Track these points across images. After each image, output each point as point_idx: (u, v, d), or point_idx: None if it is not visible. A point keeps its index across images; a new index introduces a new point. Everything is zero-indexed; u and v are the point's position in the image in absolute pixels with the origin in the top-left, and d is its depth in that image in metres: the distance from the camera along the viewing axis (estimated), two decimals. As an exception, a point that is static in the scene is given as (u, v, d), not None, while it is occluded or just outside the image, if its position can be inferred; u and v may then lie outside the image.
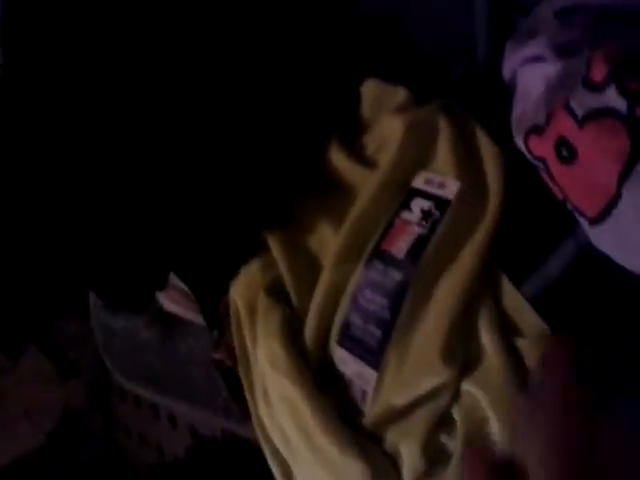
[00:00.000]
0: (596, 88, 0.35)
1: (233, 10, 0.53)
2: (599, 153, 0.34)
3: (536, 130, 0.39)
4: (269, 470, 0.54)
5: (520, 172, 0.44)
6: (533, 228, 0.43)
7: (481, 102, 0.49)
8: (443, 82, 0.52)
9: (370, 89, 0.53)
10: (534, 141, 0.39)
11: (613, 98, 0.33)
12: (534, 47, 0.38)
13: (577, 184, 0.36)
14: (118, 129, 0.53)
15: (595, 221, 0.35)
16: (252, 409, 0.54)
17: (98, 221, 0.56)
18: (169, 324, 0.79)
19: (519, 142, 0.41)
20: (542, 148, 0.38)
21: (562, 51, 0.37)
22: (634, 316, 0.38)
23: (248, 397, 0.54)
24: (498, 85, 0.47)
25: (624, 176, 0.33)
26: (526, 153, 0.40)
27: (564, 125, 0.36)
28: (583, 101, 0.34)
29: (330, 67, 0.56)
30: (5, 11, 0.52)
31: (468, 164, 0.46)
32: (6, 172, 0.54)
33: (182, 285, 0.67)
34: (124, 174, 0.55)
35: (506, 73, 0.43)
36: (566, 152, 0.36)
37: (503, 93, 0.46)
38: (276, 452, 0.52)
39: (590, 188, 0.35)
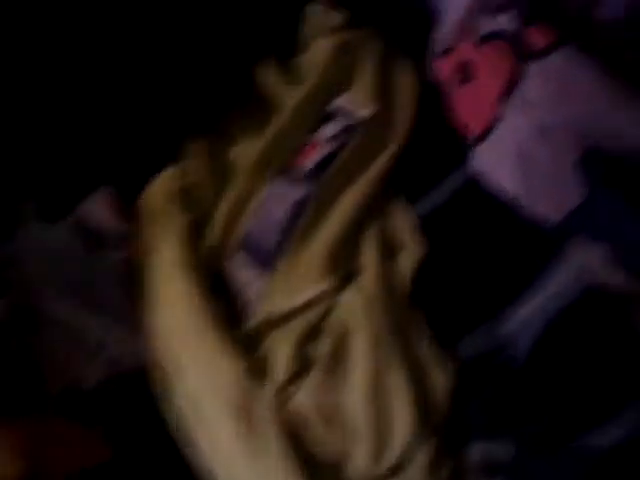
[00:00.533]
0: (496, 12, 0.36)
1: None
2: (489, 70, 0.35)
3: (447, 52, 0.40)
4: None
5: (427, 104, 0.45)
6: (430, 157, 0.45)
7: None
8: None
9: (312, 13, 0.54)
10: (443, 62, 0.41)
11: (505, 21, 0.35)
12: None
13: (469, 104, 0.38)
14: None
15: (478, 139, 0.37)
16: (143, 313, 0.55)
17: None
18: (92, 235, 0.79)
19: (432, 63, 0.43)
20: (446, 70, 0.40)
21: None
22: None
23: (141, 300, 0.54)
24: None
25: (506, 95, 0.34)
26: (436, 75, 0.42)
27: (467, 47, 0.37)
28: (486, 25, 0.36)
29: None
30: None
31: (384, 92, 0.47)
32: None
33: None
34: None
35: None
36: (464, 73, 0.37)
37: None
38: (160, 366, 0.52)
39: (478, 107, 0.36)
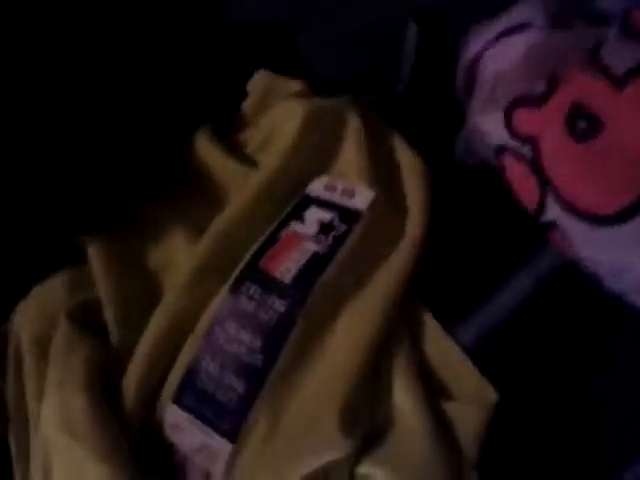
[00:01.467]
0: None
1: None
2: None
3: (527, 101, 0.28)
4: None
5: (452, 186, 0.33)
6: (470, 254, 0.32)
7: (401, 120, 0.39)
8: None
9: (260, 80, 0.40)
10: (523, 115, 0.28)
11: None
12: (518, 14, 0.29)
13: (591, 166, 0.26)
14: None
15: (612, 219, 0.25)
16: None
17: None
18: None
19: (492, 122, 0.30)
20: (538, 122, 0.28)
21: (554, 20, 0.28)
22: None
23: (17, 476, 0.34)
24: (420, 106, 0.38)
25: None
26: (503, 133, 0.30)
27: (587, 89, 0.26)
28: (624, 55, 0.25)
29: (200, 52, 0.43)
30: None
31: (381, 169, 0.35)
32: None
33: None
34: None
35: (469, 56, 0.34)
36: (584, 123, 0.26)
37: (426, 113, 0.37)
38: None
39: (615, 171, 0.25)
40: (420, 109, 0.37)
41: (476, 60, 0.34)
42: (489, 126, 0.31)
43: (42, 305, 0.36)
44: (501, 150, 0.31)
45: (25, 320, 0.36)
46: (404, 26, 0.37)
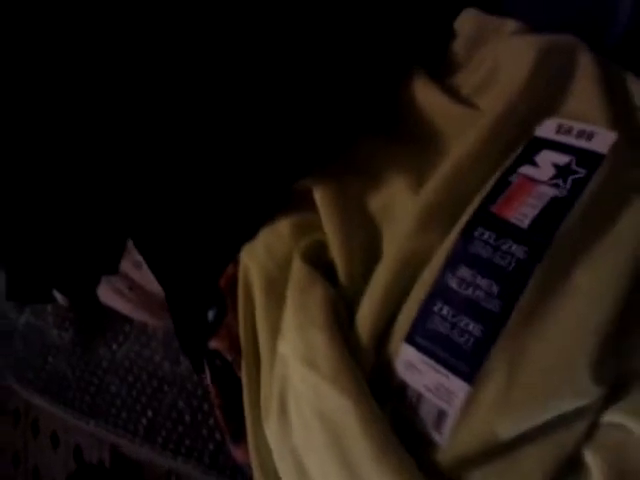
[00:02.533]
0: None
1: None
2: None
3: None
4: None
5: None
6: None
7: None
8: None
9: (469, 20, 0.39)
10: None
11: None
12: None
13: None
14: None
15: None
16: (250, 426, 0.37)
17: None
18: (87, 323, 0.65)
19: None
20: None
21: None
22: None
23: (247, 407, 0.36)
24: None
25: None
26: None
27: None
28: None
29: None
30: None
31: (620, 110, 0.32)
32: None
33: (131, 271, 0.50)
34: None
35: None
36: None
37: None
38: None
39: None
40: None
41: None
42: None
43: (270, 247, 0.37)
44: None
45: (254, 262, 0.37)
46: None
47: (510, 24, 0.37)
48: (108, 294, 0.53)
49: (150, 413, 0.59)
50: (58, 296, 0.59)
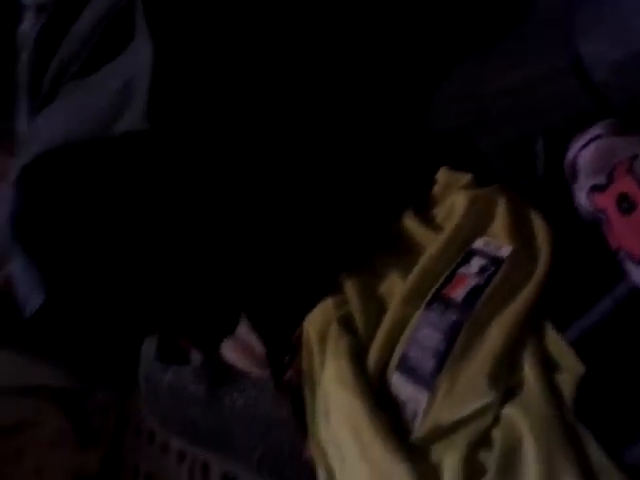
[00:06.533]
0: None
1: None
2: None
3: (598, 188, 0.45)
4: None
5: (566, 245, 0.49)
6: (574, 286, 0.47)
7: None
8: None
9: (443, 175, 0.60)
10: (597, 196, 0.45)
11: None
12: (595, 129, 0.46)
13: (631, 230, 0.41)
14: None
15: None
16: (311, 427, 0.57)
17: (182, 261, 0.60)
18: (216, 378, 0.79)
19: (583, 198, 0.47)
20: (604, 201, 0.44)
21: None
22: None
23: (309, 414, 0.56)
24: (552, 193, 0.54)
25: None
26: (589, 206, 0.46)
27: (625, 184, 0.42)
28: None
29: (406, 160, 0.64)
30: (153, 80, 0.51)
31: (520, 232, 0.52)
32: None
33: (243, 335, 0.71)
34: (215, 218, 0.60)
35: (570, 155, 0.50)
36: (626, 205, 0.41)
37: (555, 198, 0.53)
38: (327, 464, 0.54)
39: None
40: (549, 194, 0.53)
41: (574, 159, 0.50)
42: (582, 201, 0.47)
43: (322, 315, 0.58)
44: (590, 216, 0.47)
45: (311, 324, 0.59)
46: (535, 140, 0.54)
47: (465, 177, 0.58)
48: (230, 353, 0.75)
49: (260, 447, 0.72)
50: (194, 357, 0.80)
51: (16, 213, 0.53)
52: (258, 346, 0.68)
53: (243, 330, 0.69)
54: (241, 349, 0.72)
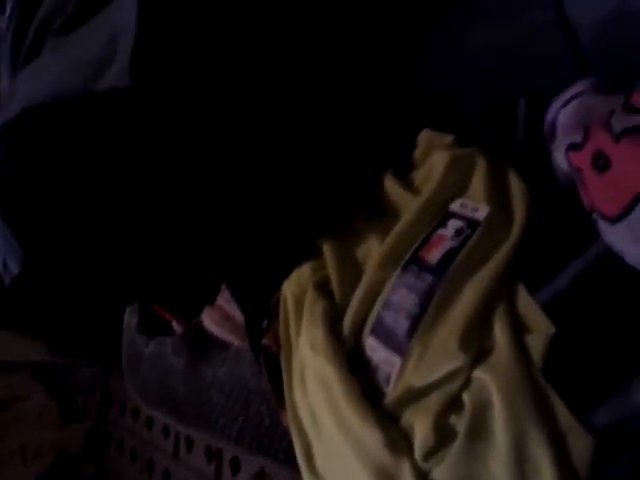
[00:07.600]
0: (635, 111, 0.39)
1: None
2: (632, 160, 0.38)
3: (574, 147, 0.43)
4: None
5: (543, 208, 0.48)
6: (548, 248, 0.46)
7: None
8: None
9: (424, 136, 0.58)
10: (573, 155, 0.44)
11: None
12: (576, 87, 0.45)
13: (605, 189, 0.40)
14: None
15: (615, 220, 0.39)
16: (287, 392, 0.56)
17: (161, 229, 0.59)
18: (197, 349, 0.80)
19: (560, 158, 0.45)
20: (580, 160, 0.43)
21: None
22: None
23: (285, 381, 0.56)
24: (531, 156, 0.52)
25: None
26: (566, 165, 0.45)
27: (601, 141, 0.40)
28: (622, 120, 0.39)
29: (387, 122, 0.62)
30: (137, 36, 0.49)
31: (498, 194, 0.50)
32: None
33: (224, 305, 0.70)
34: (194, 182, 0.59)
35: (549, 115, 0.48)
36: (601, 162, 0.40)
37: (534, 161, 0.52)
38: (302, 432, 0.54)
39: (616, 191, 0.39)
40: (528, 156, 0.51)
41: (554, 119, 0.48)
42: (560, 161, 0.46)
43: (299, 279, 0.58)
44: (567, 177, 0.46)
45: (289, 289, 0.58)
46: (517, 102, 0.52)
47: (447, 138, 0.57)
48: (210, 323, 0.75)
49: (241, 419, 0.73)
50: (176, 329, 0.80)
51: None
52: (239, 315, 0.68)
53: (224, 299, 0.69)
54: (221, 318, 0.72)
